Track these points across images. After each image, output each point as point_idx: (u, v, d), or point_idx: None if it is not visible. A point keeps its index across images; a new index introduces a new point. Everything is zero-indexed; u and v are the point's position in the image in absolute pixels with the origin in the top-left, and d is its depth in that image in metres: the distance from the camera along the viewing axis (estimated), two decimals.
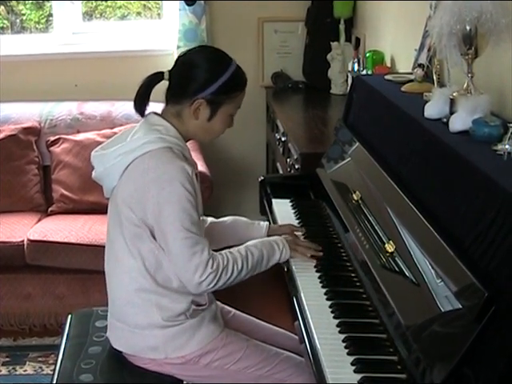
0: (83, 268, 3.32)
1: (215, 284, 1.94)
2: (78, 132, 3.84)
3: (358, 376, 1.60)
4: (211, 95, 1.99)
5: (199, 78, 1.99)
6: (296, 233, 2.27)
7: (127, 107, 3.81)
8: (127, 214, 1.96)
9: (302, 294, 1.97)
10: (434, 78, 2.35)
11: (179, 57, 2.08)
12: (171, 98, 2.04)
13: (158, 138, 1.96)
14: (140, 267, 1.97)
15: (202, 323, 2.02)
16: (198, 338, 2.01)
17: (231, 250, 2.02)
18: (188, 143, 2.08)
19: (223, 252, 1.99)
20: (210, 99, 1.99)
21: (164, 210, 1.91)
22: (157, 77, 2.03)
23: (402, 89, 2.48)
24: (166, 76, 2.03)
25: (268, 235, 2.23)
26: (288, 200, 2.65)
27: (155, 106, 2.07)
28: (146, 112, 2.04)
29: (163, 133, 1.97)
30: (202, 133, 2.07)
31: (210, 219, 2.28)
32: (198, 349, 2.01)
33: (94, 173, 2.06)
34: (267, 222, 2.33)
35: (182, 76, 2.02)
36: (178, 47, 4.00)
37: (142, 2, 4.38)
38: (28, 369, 3.17)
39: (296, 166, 2.93)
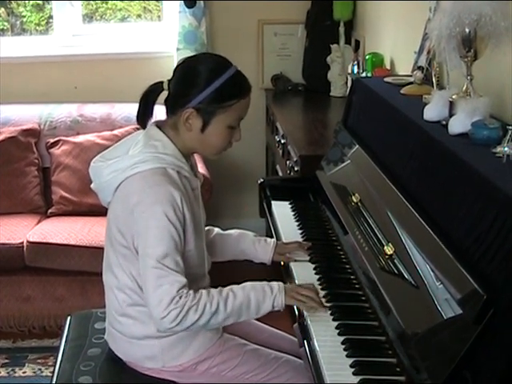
0: (82, 270, 3.32)
1: (180, 321, 1.80)
2: (78, 134, 3.84)
3: (357, 378, 1.60)
4: (201, 104, 1.89)
5: (190, 87, 1.90)
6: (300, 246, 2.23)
7: (127, 109, 3.82)
8: (116, 235, 1.93)
9: None
10: (434, 80, 2.35)
11: (177, 65, 1.99)
12: (168, 108, 1.97)
13: (153, 156, 1.88)
14: (134, 285, 1.94)
15: (199, 331, 1.98)
16: (195, 346, 1.99)
17: (211, 289, 1.87)
18: None
19: (200, 290, 1.86)
20: (200, 108, 1.90)
21: (141, 233, 1.85)
22: (157, 87, 1.96)
23: (402, 91, 2.48)
24: (166, 86, 1.95)
25: (274, 252, 2.20)
26: (287, 202, 2.65)
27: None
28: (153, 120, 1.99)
29: (159, 150, 1.90)
30: (199, 146, 1.97)
31: (216, 230, 2.24)
32: (196, 356, 1.99)
33: (92, 183, 2.02)
34: (274, 239, 2.26)
35: (176, 85, 1.94)
36: (178, 49, 4.01)
37: (143, 5, 4.38)
38: (27, 371, 3.17)
39: (295, 169, 2.93)
